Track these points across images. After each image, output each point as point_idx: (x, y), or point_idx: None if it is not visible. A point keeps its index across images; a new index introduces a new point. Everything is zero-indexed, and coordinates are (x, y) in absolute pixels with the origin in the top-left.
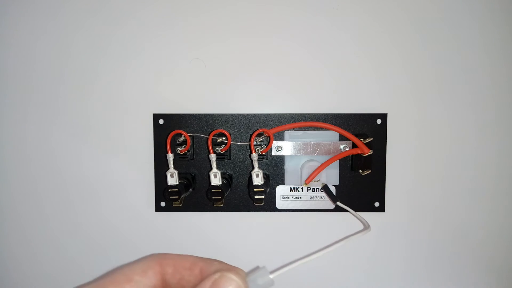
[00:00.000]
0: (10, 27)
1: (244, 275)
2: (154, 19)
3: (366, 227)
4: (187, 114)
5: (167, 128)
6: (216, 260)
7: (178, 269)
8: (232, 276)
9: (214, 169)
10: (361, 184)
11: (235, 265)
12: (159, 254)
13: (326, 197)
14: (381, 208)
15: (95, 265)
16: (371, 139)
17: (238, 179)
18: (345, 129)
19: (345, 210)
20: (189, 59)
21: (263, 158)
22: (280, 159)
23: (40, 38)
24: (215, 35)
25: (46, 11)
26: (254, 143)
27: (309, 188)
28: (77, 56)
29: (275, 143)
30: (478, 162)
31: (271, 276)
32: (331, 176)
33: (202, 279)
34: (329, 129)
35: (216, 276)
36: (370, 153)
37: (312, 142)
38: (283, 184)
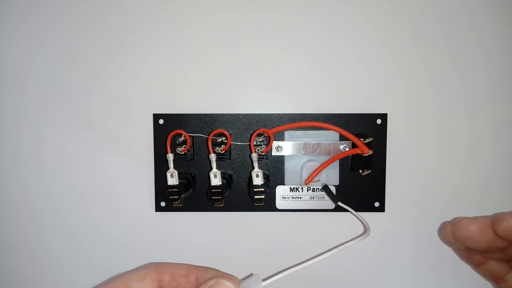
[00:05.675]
0: (13, 27)
1: (238, 282)
2: (155, 20)
3: (367, 228)
4: (187, 114)
5: (167, 128)
6: (211, 268)
7: (175, 277)
8: (226, 282)
9: (214, 169)
10: (361, 184)
11: (235, 265)
12: (156, 262)
13: (326, 197)
14: (381, 208)
15: (93, 265)
16: (371, 139)
17: (238, 179)
18: (345, 129)
19: (346, 210)
20: (189, 59)
21: (263, 158)
22: (280, 159)
23: (43, 38)
24: (215, 35)
25: (51, 12)
26: (254, 143)
27: (309, 188)
28: (78, 57)
29: (275, 143)
30: (478, 161)
31: (263, 283)
32: (331, 176)
33: (197, 286)
34: (329, 129)
35: (211, 282)
36: (370, 153)
37: (312, 142)
38: (283, 184)
